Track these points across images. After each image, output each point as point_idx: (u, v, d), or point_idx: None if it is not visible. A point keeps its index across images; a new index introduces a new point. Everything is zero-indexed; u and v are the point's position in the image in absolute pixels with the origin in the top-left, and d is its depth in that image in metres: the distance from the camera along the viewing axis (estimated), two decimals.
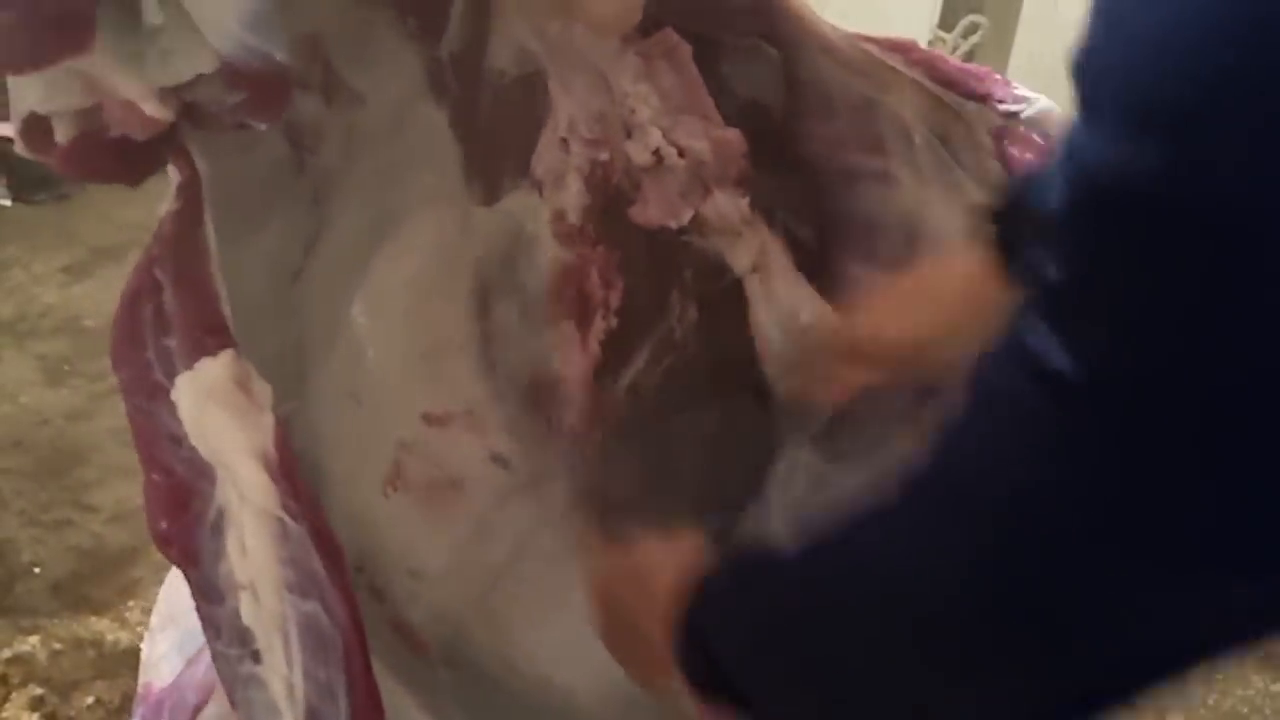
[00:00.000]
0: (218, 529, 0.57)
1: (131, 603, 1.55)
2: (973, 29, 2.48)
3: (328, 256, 0.81)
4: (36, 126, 0.58)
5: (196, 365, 0.56)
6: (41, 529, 1.69)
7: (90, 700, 1.43)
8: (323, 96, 0.78)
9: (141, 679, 0.98)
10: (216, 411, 0.55)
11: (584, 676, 0.92)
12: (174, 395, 0.56)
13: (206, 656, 0.80)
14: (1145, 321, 0.37)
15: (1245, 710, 1.57)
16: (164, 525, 0.58)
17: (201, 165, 0.65)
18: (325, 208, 0.80)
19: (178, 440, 0.58)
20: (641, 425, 0.92)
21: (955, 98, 0.90)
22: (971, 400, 0.44)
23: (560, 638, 0.92)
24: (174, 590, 1.01)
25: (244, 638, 0.58)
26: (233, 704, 0.60)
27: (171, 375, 0.59)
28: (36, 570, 1.63)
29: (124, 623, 1.53)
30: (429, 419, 0.86)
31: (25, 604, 1.57)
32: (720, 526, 0.98)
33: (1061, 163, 0.39)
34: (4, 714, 1.40)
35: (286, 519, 0.55)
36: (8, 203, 2.68)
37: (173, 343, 0.60)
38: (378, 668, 0.72)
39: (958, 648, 0.44)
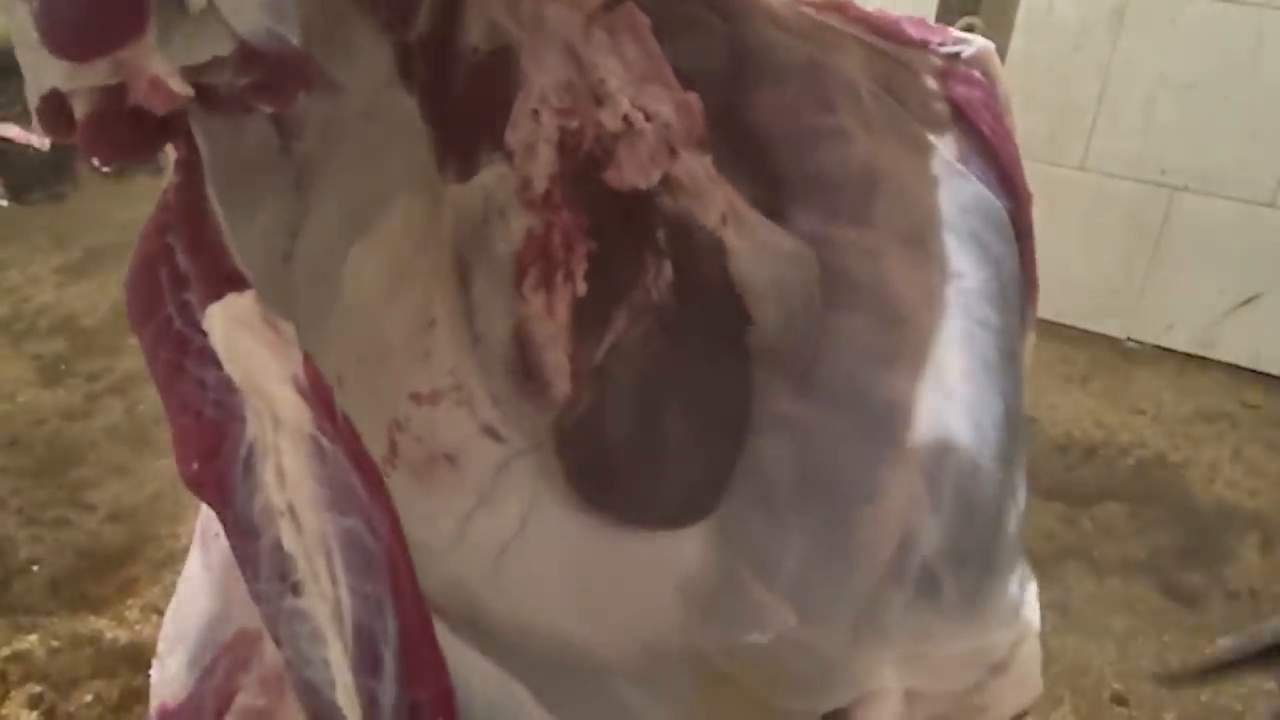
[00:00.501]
0: (249, 466, 0.59)
1: (130, 600, 1.57)
2: (968, 30, 2.58)
3: (312, 241, 0.83)
4: (54, 104, 0.60)
5: (225, 298, 0.58)
6: (39, 527, 1.70)
7: (89, 698, 1.42)
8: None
9: (152, 704, 0.98)
10: (248, 339, 0.57)
11: (604, 633, 0.94)
12: (206, 325, 0.58)
13: (224, 663, 0.81)
14: None
15: (1239, 708, 1.63)
16: (196, 467, 0.60)
17: (201, 145, 0.68)
18: (308, 193, 0.83)
19: (205, 385, 0.60)
20: (625, 386, 0.95)
21: (894, 47, 0.95)
22: None
23: (576, 598, 0.94)
24: (183, 605, 1.01)
25: (284, 570, 0.59)
26: (277, 643, 0.61)
27: (194, 325, 0.61)
28: (35, 568, 1.65)
29: (122, 620, 1.54)
30: (418, 398, 0.88)
31: (24, 602, 1.59)
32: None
33: None
34: (3, 711, 1.40)
35: (323, 439, 0.57)
36: (4, 203, 2.68)
37: (192, 297, 0.63)
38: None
39: None
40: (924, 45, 0.94)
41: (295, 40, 0.60)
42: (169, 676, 0.96)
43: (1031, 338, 1.02)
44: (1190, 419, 2.40)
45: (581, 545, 0.95)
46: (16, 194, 2.68)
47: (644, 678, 0.93)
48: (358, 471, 0.57)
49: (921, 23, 0.96)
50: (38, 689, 1.44)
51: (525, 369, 0.94)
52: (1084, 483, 2.19)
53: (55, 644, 1.51)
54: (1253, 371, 2.56)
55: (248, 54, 0.59)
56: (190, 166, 0.68)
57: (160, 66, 0.56)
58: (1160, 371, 2.56)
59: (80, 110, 0.59)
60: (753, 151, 1.02)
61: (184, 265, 0.64)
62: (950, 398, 0.96)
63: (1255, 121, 2.37)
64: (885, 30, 0.97)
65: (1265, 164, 2.40)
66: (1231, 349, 2.58)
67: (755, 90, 1.01)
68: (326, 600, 0.58)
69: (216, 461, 0.60)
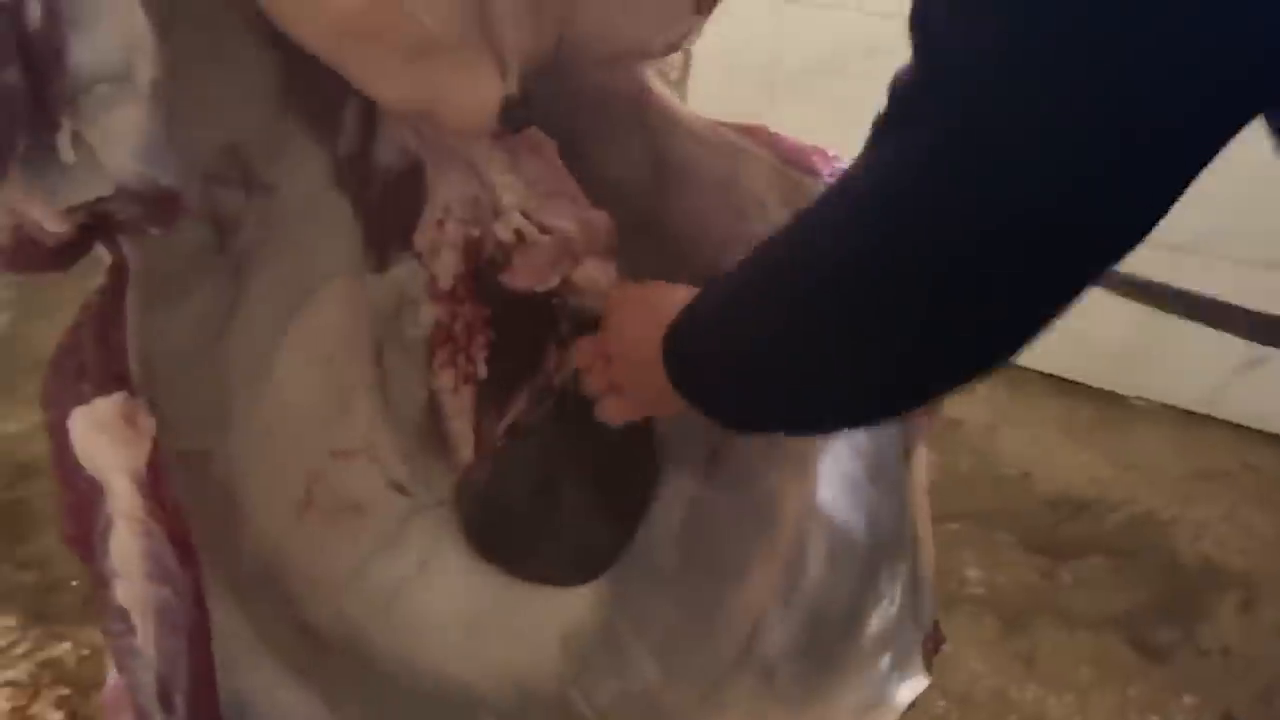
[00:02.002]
0: (104, 534, 0.75)
1: None
2: None
3: (248, 319, 0.98)
4: None
5: (92, 402, 0.73)
6: None
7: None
8: (242, 190, 0.96)
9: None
10: (100, 438, 0.72)
11: (482, 672, 1.07)
12: (69, 424, 0.73)
13: None
14: None
15: None
16: (70, 528, 0.76)
17: (130, 252, 0.84)
18: (245, 277, 0.98)
19: (80, 467, 0.76)
20: (526, 458, 1.08)
21: (795, 172, 1.06)
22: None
23: (462, 640, 1.07)
24: None
25: (124, 616, 0.74)
26: (119, 670, 0.77)
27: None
28: (73, 584, 1.84)
29: None
30: (335, 454, 1.03)
31: (60, 614, 1.79)
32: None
33: None
34: (33, 710, 1.60)
35: (150, 521, 0.72)
36: None
37: (87, 387, 0.78)
38: (278, 669, 0.90)
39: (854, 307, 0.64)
40: (815, 172, 1.04)
41: (166, 180, 0.74)
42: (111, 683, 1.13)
43: (921, 451, 1.10)
44: (1187, 477, 2.39)
45: (474, 593, 1.08)
46: None
47: (512, 717, 1.06)
48: (174, 550, 0.72)
49: (816, 151, 1.06)
50: (65, 692, 1.64)
51: (434, 434, 1.07)
52: (1069, 537, 2.22)
53: (85, 652, 1.70)
54: (1259, 432, 2.53)
55: (126, 194, 0.73)
56: (118, 271, 0.84)
57: (37, 211, 0.71)
58: (1163, 429, 2.55)
59: (1, 239, 0.75)
60: (672, 253, 1.13)
61: (88, 359, 0.79)
62: (817, 507, 1.06)
63: (1260, 184, 2.30)
64: (788, 156, 1.07)
65: (1273, 225, 2.35)
66: (1238, 408, 2.55)
67: (676, 199, 1.12)
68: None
69: (84, 527, 0.75)
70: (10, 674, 1.68)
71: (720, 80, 2.62)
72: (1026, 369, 2.60)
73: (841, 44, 2.60)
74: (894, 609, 1.10)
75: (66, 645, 1.72)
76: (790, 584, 1.06)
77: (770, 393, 0.75)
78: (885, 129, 0.62)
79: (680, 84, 2.66)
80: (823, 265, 0.65)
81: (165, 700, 0.71)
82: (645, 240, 1.12)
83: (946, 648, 1.14)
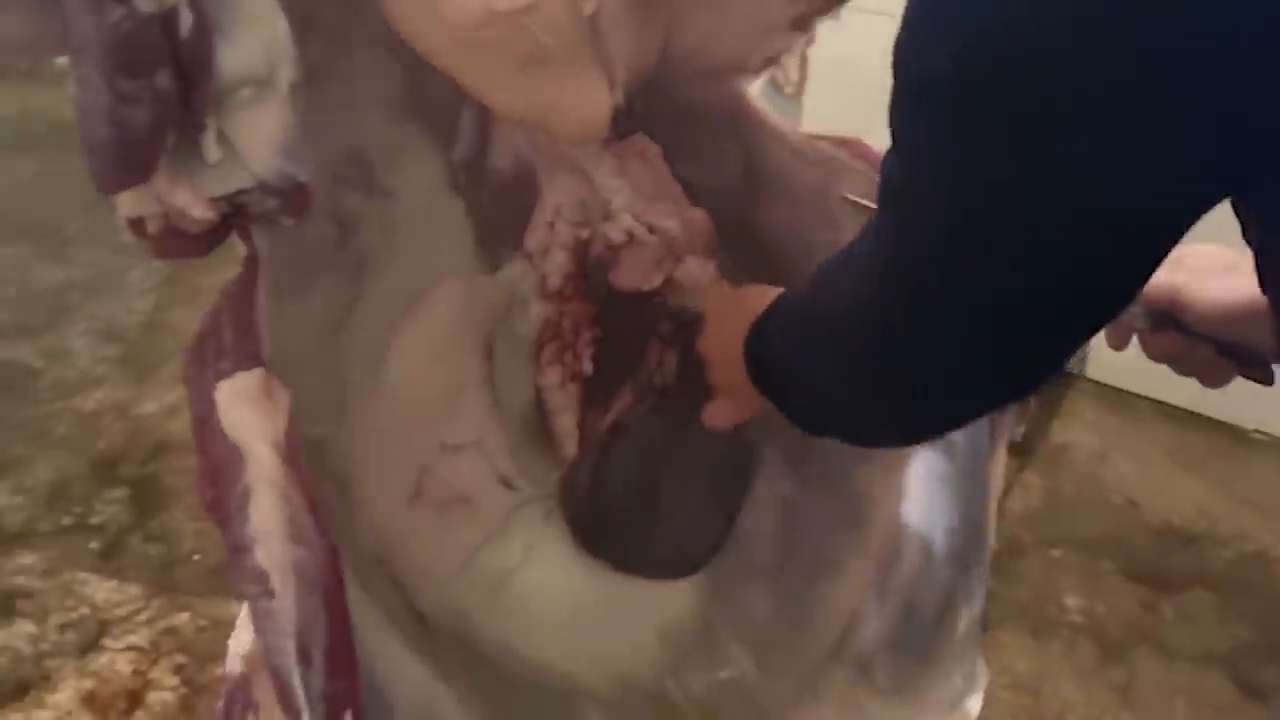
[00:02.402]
0: (243, 500, 0.80)
1: None
2: None
3: (367, 315, 1.04)
4: (135, 222, 0.83)
5: (235, 376, 0.79)
6: (204, 522, 1.98)
7: (220, 671, 1.70)
8: (364, 191, 1.03)
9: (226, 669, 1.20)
10: (244, 408, 0.78)
11: (584, 663, 1.10)
12: (215, 395, 0.78)
13: None
14: None
15: None
16: (210, 494, 0.81)
17: (260, 242, 0.90)
18: (364, 276, 1.04)
19: (222, 434, 0.81)
20: (628, 454, 1.12)
21: None
22: None
23: (562, 630, 1.11)
24: None
25: (261, 579, 0.79)
26: (256, 631, 0.81)
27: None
28: (195, 558, 1.96)
29: None
30: (446, 447, 1.07)
31: (182, 585, 1.90)
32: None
33: None
34: (151, 674, 1.68)
35: (289, 487, 0.76)
36: None
37: (225, 365, 0.84)
38: (396, 640, 0.94)
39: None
40: None
41: (301, 175, 0.80)
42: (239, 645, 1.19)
43: (1001, 454, 1.11)
44: None
45: (576, 585, 1.12)
46: None
47: (612, 707, 1.09)
48: (311, 515, 0.76)
49: None
50: (182, 660, 1.73)
51: (540, 429, 1.12)
52: (1174, 569, 2.17)
53: (202, 623, 1.80)
54: None
55: (265, 187, 0.79)
56: (252, 261, 0.90)
57: (183, 199, 0.77)
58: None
59: (152, 228, 0.81)
60: (762, 260, 1.17)
61: (226, 340, 0.85)
62: (908, 502, 1.08)
63: None
64: None
65: None
66: None
67: (769, 208, 1.16)
68: (285, 608, 0.77)
69: (221, 493, 0.81)
70: (133, 639, 1.77)
71: (833, 96, 2.65)
72: (1139, 395, 2.57)
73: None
74: (977, 608, 1.11)
75: (186, 616, 1.81)
76: (884, 579, 1.08)
77: (818, 402, 0.83)
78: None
79: (796, 99, 2.70)
80: (834, 306, 0.75)
81: (304, 656, 0.75)
82: (738, 247, 1.16)
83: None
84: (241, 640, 1.20)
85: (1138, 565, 2.17)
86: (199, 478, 0.82)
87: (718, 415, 1.03)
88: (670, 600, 1.15)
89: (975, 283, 0.61)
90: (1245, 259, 0.65)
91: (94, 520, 2.04)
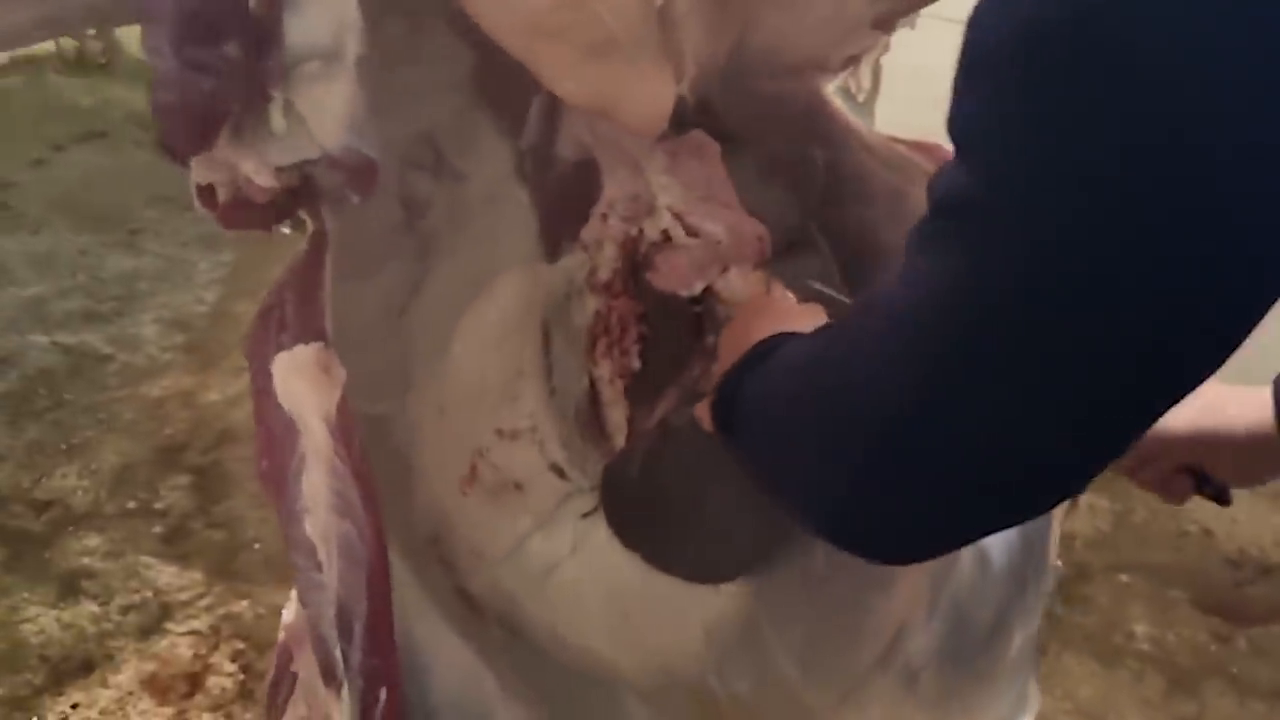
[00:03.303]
0: (298, 472, 0.81)
1: None
2: None
3: (430, 298, 1.05)
4: (206, 191, 0.84)
5: (293, 349, 0.80)
6: (266, 510, 2.02)
7: None
8: (432, 174, 1.03)
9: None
10: (299, 382, 0.78)
11: (629, 653, 1.10)
12: (272, 368, 0.79)
13: None
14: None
15: None
16: (265, 464, 0.82)
17: (329, 221, 0.91)
18: (430, 260, 1.05)
19: (279, 406, 0.82)
20: (676, 454, 1.11)
21: None
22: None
23: (607, 619, 1.11)
24: None
25: (310, 551, 0.80)
26: (303, 603, 0.82)
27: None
28: (256, 546, 1.98)
29: None
30: (500, 433, 1.08)
31: (243, 572, 1.92)
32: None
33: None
34: (211, 659, 1.72)
35: (338, 461, 0.77)
36: (287, 231, 3.19)
37: (286, 339, 0.85)
38: (441, 620, 0.95)
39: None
40: None
41: (367, 150, 0.81)
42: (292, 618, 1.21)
43: None
44: None
45: (623, 576, 1.11)
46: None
47: (654, 698, 1.08)
48: (358, 488, 0.77)
49: None
50: (241, 646, 1.76)
51: (593, 420, 1.11)
52: (1249, 602, 2.10)
53: (261, 611, 1.83)
54: None
55: (331, 160, 0.80)
56: (319, 237, 0.91)
57: (249, 167, 0.78)
58: None
59: (221, 196, 0.83)
60: (836, 262, 1.15)
61: (289, 315, 0.86)
62: None
63: None
64: None
65: None
66: None
67: (845, 209, 1.15)
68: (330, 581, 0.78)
69: (277, 464, 0.82)
70: (194, 624, 1.81)
71: (903, 104, 2.62)
72: None
73: None
74: (1033, 627, 1.08)
75: (245, 603, 1.84)
76: (936, 592, 1.06)
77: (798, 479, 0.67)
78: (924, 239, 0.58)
79: (868, 105, 2.68)
80: (851, 361, 0.61)
81: (344, 628, 0.76)
82: (809, 247, 1.14)
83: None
84: (291, 612, 1.22)
85: (1211, 596, 2.10)
86: (256, 447, 0.83)
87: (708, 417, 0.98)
88: (717, 598, 1.14)
89: (1059, 318, 0.49)
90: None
91: (158, 505, 2.08)
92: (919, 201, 1.14)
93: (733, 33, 1.07)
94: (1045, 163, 0.49)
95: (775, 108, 1.13)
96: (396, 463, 1.01)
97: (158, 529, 2.01)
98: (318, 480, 0.78)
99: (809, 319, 0.88)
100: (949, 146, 1.08)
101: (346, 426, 0.79)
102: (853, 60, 1.12)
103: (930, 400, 0.54)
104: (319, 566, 0.80)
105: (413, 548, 0.96)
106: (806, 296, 1.06)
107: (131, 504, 2.07)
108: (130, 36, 3.21)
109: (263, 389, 0.84)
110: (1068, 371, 0.51)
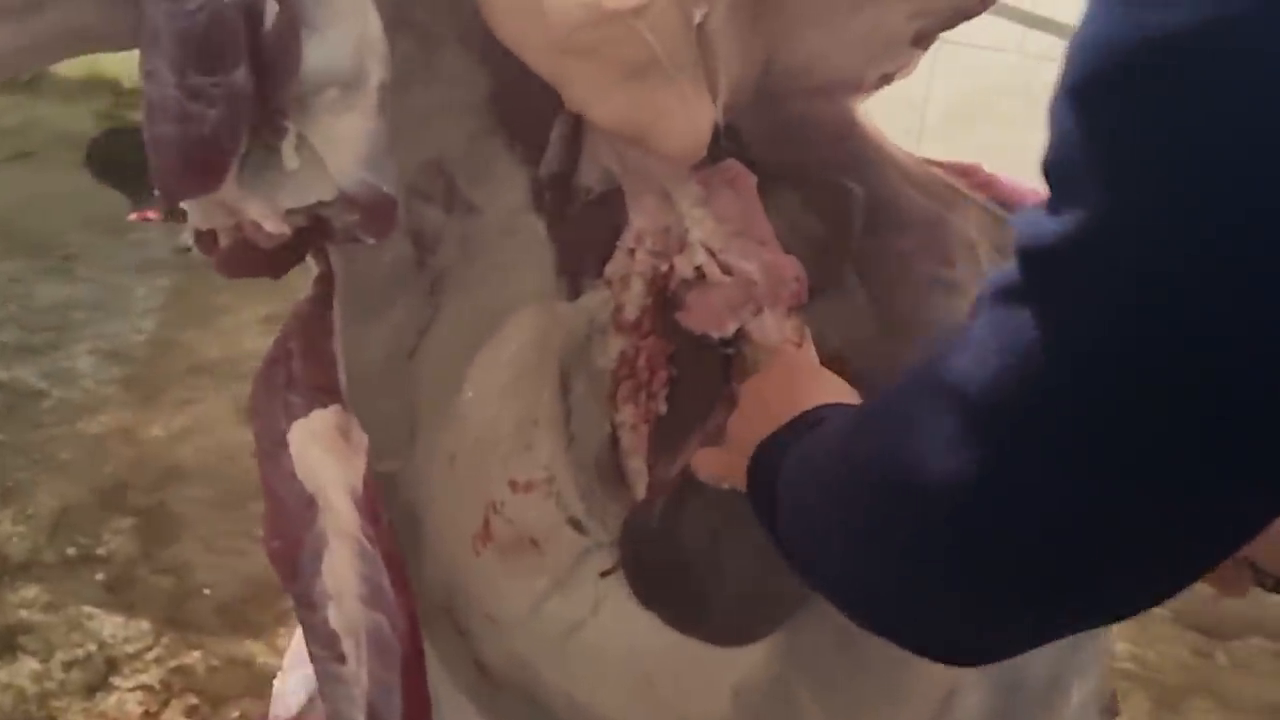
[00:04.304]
0: (315, 552, 0.71)
1: (284, 629, 1.74)
2: None
3: (440, 339, 0.96)
4: (205, 236, 0.74)
5: (310, 414, 0.70)
6: (217, 555, 1.92)
7: (236, 714, 1.61)
8: (443, 207, 0.94)
9: (271, 711, 1.12)
10: (319, 452, 0.69)
11: (649, 715, 1.02)
12: (289, 436, 0.70)
13: None
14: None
15: None
16: (275, 544, 0.73)
17: (336, 261, 0.81)
18: (440, 298, 0.96)
19: (292, 477, 0.73)
20: (696, 506, 1.02)
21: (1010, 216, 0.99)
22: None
23: (629, 684, 1.02)
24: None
25: (331, 641, 0.71)
26: (322, 697, 0.73)
27: (293, 423, 0.74)
28: (207, 592, 1.86)
29: (275, 647, 1.72)
30: (515, 485, 0.99)
31: (194, 621, 1.80)
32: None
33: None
34: (163, 715, 1.60)
35: (365, 542, 0.68)
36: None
37: (296, 398, 0.75)
38: (460, 694, 0.85)
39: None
40: None
41: (387, 188, 0.71)
42: (287, 691, 1.11)
43: None
44: None
45: (646, 637, 1.03)
46: None
47: None
48: (390, 573, 0.68)
49: (1037, 193, 1.00)
50: (194, 701, 1.64)
51: (614, 470, 1.03)
52: (1229, 616, 2.07)
53: (214, 662, 1.71)
54: None
55: (347, 200, 0.71)
56: (325, 281, 0.82)
57: (257, 211, 0.69)
58: None
59: (222, 241, 0.73)
60: (856, 301, 1.08)
61: (296, 369, 0.77)
62: None
63: None
64: (1005, 198, 1.02)
65: None
66: None
67: (881, 237, 1.07)
68: (355, 676, 0.69)
69: (290, 543, 0.72)
70: (143, 678, 1.68)
71: (942, 131, 2.57)
72: None
73: (994, 85, 2.54)
74: (1093, 682, 1.02)
75: (198, 654, 1.73)
76: None
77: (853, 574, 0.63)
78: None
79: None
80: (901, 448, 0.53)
81: None
82: (843, 279, 1.07)
83: None
84: (287, 683, 1.12)
85: (1191, 612, 2.07)
86: (265, 524, 0.74)
87: (709, 464, 0.92)
88: (745, 658, 1.06)
89: (1172, 395, 0.42)
90: None
91: (100, 551, 1.95)
92: (959, 229, 1.08)
93: (763, 51, 0.99)
94: (1176, 198, 0.40)
95: (804, 130, 1.05)
96: (405, 520, 0.91)
97: (100, 576, 1.88)
98: (343, 565, 0.69)
99: (833, 388, 0.82)
100: (988, 169, 0.98)
101: (373, 501, 0.70)
102: (886, 79, 1.05)
103: (1003, 485, 0.47)
104: (341, 658, 0.71)
105: (428, 619, 0.87)
106: (830, 353, 1.00)
107: (71, 550, 1.94)
108: None
109: (269, 454, 0.74)
110: (1184, 453, 0.43)
